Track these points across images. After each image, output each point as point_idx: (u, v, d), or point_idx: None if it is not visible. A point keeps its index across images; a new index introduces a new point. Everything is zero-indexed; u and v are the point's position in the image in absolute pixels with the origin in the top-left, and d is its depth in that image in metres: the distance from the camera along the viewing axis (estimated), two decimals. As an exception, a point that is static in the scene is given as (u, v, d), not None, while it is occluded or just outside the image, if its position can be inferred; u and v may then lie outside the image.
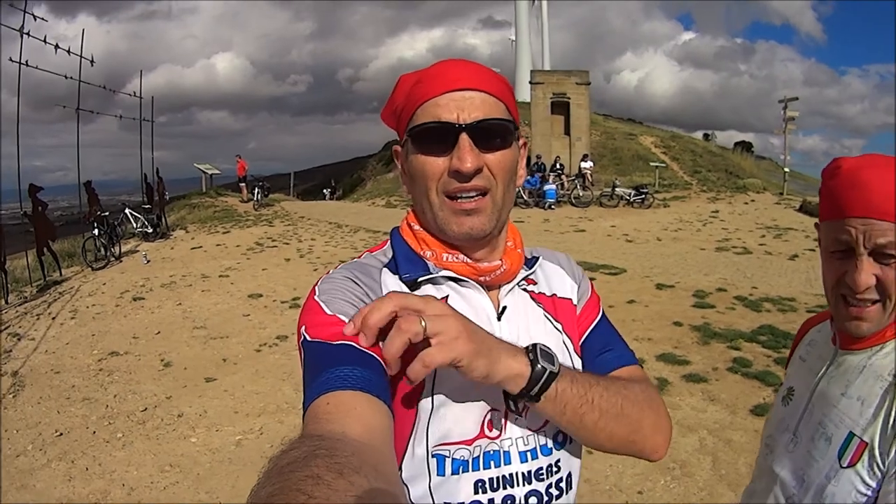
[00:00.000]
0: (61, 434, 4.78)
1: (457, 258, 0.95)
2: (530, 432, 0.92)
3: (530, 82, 26.21)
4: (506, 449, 0.90)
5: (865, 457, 0.98)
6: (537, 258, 1.08)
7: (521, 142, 0.99)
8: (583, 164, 22.35)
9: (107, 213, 12.90)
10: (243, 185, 21.85)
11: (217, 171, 23.23)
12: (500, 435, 0.90)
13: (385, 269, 0.96)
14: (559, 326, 1.02)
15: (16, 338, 7.39)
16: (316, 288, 0.90)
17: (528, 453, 0.91)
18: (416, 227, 0.99)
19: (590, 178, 21.78)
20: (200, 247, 13.29)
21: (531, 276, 1.05)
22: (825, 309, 1.18)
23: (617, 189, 19.97)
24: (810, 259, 11.30)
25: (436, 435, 0.86)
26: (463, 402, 0.88)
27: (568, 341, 1.02)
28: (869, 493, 0.97)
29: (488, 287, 0.97)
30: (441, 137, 0.90)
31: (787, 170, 22.85)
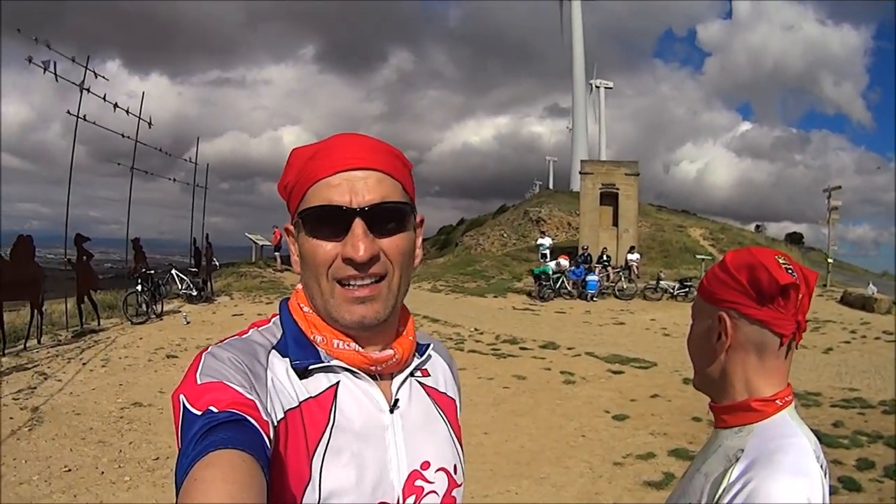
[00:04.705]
0: (70, 469, 4.84)
1: (348, 346, 0.89)
2: None
3: (580, 172, 26.55)
4: None
5: None
6: (429, 345, 1.02)
7: (418, 219, 0.94)
8: (629, 256, 22.27)
9: (152, 271, 13.01)
10: (277, 254, 21.86)
11: (267, 243, 23.47)
12: None
13: (274, 351, 0.89)
14: (449, 424, 0.99)
15: (42, 376, 7.62)
16: (199, 366, 0.84)
17: None
18: (307, 308, 0.92)
19: (636, 270, 21.58)
20: (242, 314, 13.32)
21: (425, 367, 1.00)
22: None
23: (661, 282, 19.71)
24: (844, 352, 10.82)
25: None
26: (351, 500, 0.82)
27: (456, 440, 1.00)
28: None
29: (380, 376, 0.92)
30: (333, 221, 0.84)
31: (830, 260, 21.95)
